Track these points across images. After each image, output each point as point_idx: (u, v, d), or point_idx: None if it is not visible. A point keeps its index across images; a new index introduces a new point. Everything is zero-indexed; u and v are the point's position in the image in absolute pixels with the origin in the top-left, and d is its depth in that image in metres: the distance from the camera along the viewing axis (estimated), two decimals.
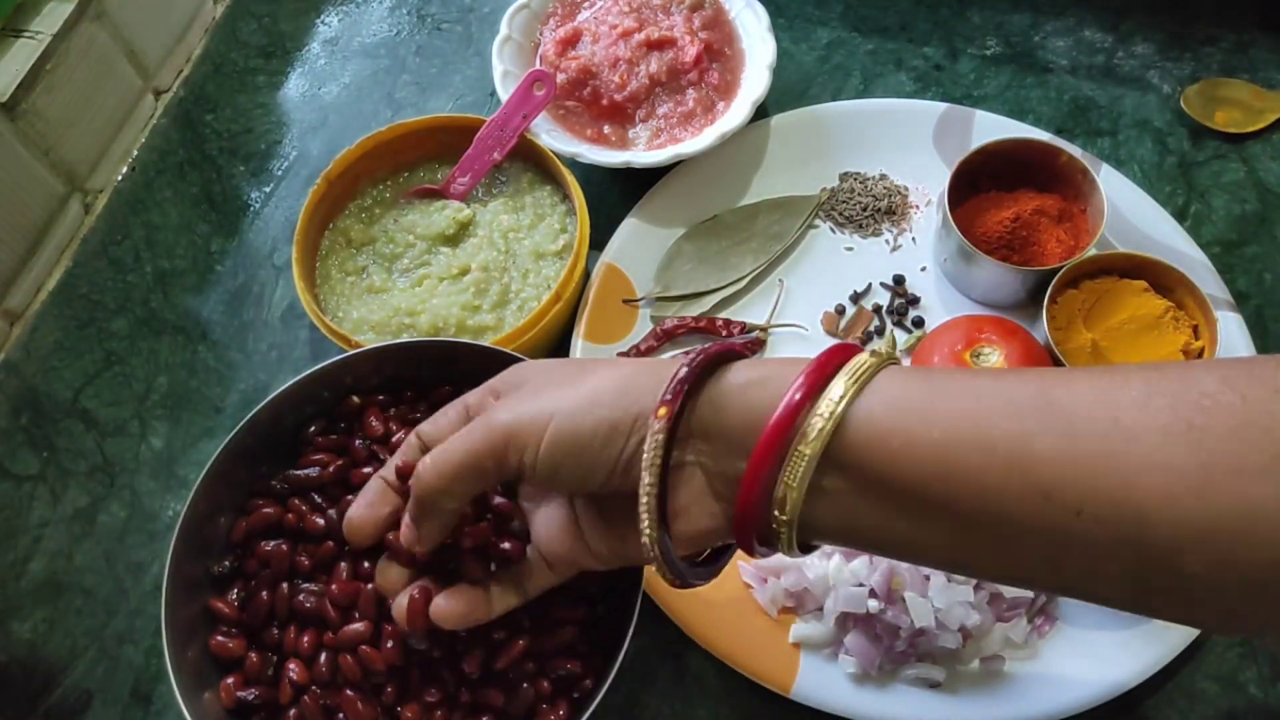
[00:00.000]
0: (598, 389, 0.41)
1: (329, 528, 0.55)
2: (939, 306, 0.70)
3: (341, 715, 0.52)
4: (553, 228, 0.70)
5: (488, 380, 0.47)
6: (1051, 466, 0.34)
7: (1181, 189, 0.74)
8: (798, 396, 0.37)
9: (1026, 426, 0.35)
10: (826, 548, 0.59)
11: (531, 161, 0.72)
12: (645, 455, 0.39)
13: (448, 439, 0.44)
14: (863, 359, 0.38)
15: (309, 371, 0.57)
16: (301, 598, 0.54)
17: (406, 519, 0.45)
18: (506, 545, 0.47)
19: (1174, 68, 0.79)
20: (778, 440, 0.37)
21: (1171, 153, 0.75)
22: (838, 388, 0.37)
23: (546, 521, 0.46)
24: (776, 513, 0.38)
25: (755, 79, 0.73)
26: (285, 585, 0.54)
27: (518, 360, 0.57)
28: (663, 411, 0.39)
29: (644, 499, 0.39)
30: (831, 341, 0.68)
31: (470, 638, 0.52)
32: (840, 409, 0.37)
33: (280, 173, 0.80)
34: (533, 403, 0.42)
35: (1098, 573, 0.35)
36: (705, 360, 0.40)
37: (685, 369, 0.40)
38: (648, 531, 0.39)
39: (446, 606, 0.45)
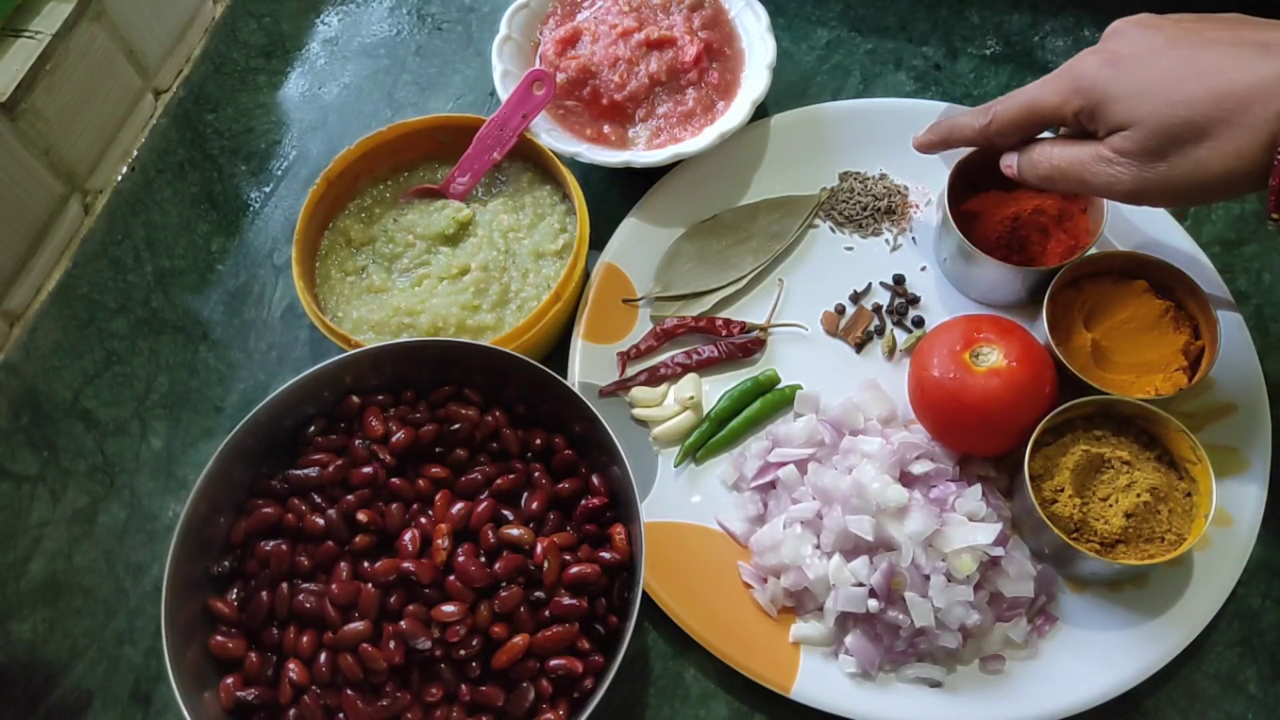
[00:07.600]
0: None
1: (329, 528, 0.55)
2: (939, 306, 0.70)
3: (341, 715, 0.52)
4: (552, 227, 0.70)
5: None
6: None
7: None
8: None
9: None
10: (825, 547, 0.59)
11: (531, 161, 0.72)
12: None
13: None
14: None
15: (309, 371, 0.57)
16: (301, 598, 0.54)
17: None
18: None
19: None
20: None
21: None
22: None
23: None
24: None
25: (755, 79, 0.73)
26: (285, 585, 0.54)
27: (518, 360, 0.58)
28: None
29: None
30: (832, 342, 0.70)
31: (470, 635, 0.52)
32: None
33: (280, 173, 0.80)
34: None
35: None
36: None
37: None
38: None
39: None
